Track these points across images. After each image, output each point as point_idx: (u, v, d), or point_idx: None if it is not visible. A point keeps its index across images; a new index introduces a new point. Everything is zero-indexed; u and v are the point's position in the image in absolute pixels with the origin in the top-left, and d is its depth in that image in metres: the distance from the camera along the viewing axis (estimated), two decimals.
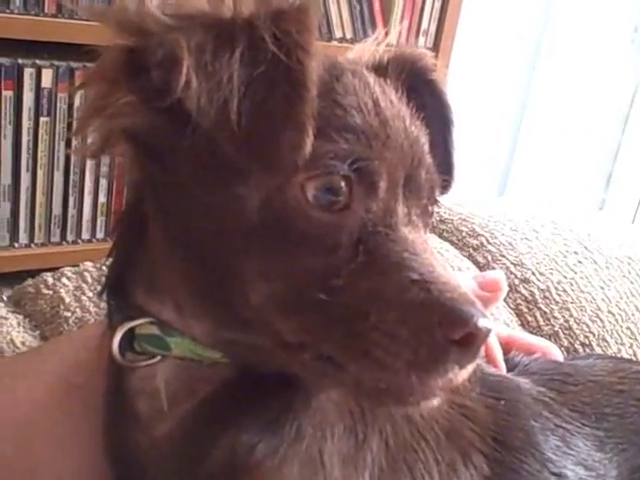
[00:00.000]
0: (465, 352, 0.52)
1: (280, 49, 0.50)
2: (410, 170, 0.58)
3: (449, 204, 1.32)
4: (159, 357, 0.62)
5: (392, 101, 0.60)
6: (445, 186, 0.66)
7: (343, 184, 0.54)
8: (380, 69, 0.65)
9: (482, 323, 0.51)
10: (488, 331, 0.52)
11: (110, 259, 0.66)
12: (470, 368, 0.54)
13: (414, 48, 0.69)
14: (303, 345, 0.54)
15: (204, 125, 0.50)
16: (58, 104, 1.80)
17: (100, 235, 1.98)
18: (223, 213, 0.54)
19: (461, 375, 0.54)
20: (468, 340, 0.51)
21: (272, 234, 0.54)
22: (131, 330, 0.62)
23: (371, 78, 0.60)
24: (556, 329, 1.14)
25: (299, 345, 0.55)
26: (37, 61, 1.76)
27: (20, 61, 1.74)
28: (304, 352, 0.55)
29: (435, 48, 2.37)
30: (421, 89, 0.66)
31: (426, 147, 0.61)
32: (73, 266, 0.99)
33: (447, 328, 0.51)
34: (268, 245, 0.54)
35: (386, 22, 2.28)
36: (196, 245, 0.57)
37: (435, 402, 0.55)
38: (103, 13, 0.56)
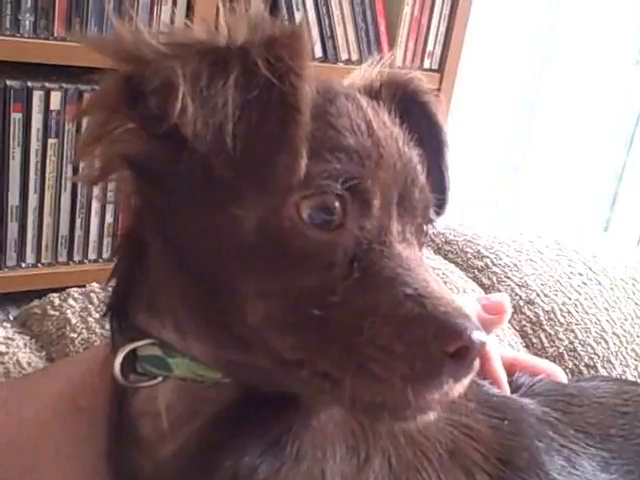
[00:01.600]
0: (460, 365, 0.52)
1: (273, 74, 0.51)
2: (403, 189, 0.59)
3: (454, 225, 1.32)
4: (160, 378, 0.62)
5: (385, 122, 0.61)
6: (440, 207, 0.67)
7: (337, 203, 0.55)
8: (373, 93, 0.66)
9: (476, 336, 0.51)
10: (482, 344, 0.52)
11: (112, 282, 0.67)
12: (466, 382, 0.55)
13: (406, 71, 0.70)
14: (300, 362, 0.55)
15: (200, 149, 0.51)
16: (66, 126, 1.82)
17: (107, 255, 1.99)
18: (220, 234, 0.55)
19: (457, 389, 0.54)
20: (462, 353, 0.52)
21: (268, 253, 0.54)
22: (134, 352, 0.63)
23: (364, 101, 0.61)
24: (561, 351, 1.14)
25: (296, 362, 0.55)
26: (46, 84, 1.77)
27: (29, 84, 1.75)
28: (302, 369, 0.55)
29: (440, 70, 2.38)
30: (415, 112, 0.67)
31: (419, 167, 0.62)
32: (80, 287, 0.99)
33: (441, 341, 0.51)
34: (264, 264, 0.55)
35: (391, 44, 2.30)
36: (194, 266, 0.57)
37: (432, 416, 0.56)
38: (101, 42, 0.57)
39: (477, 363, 0.54)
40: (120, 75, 0.54)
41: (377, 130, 0.59)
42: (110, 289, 0.93)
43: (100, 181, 0.60)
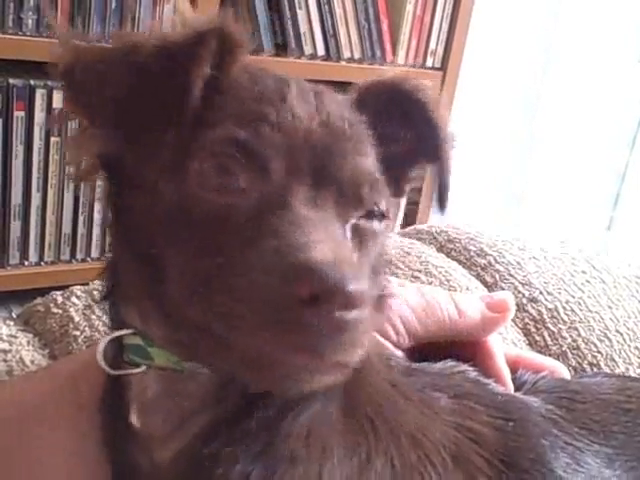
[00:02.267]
0: (317, 314, 0.48)
1: (164, 54, 0.56)
2: (322, 160, 0.58)
3: (457, 223, 1.32)
4: (143, 367, 0.63)
5: (322, 101, 0.61)
6: (441, 204, 0.67)
7: (235, 167, 0.56)
8: (360, 94, 0.66)
9: (333, 281, 0.48)
10: (346, 291, 0.48)
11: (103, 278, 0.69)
12: (351, 340, 0.50)
13: (402, 75, 0.69)
14: (206, 327, 0.53)
15: (98, 123, 0.57)
16: (69, 124, 1.82)
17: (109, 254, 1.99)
18: (140, 209, 0.58)
19: (340, 346, 0.50)
20: (319, 299, 0.48)
21: (181, 223, 0.56)
22: (122, 342, 0.64)
23: (298, 84, 0.62)
24: (564, 349, 1.13)
25: (204, 328, 0.53)
26: (49, 82, 1.78)
27: (32, 82, 1.76)
28: (206, 334, 0.53)
29: (442, 68, 2.38)
30: (412, 111, 0.66)
31: (358, 147, 0.61)
32: (83, 285, 1.00)
33: (290, 285, 0.48)
34: (179, 234, 0.56)
35: (394, 42, 2.30)
36: (135, 247, 0.60)
37: (325, 379, 0.53)
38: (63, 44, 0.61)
39: (355, 316, 0.49)
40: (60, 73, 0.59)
41: (293, 104, 0.59)
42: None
43: (87, 179, 0.63)
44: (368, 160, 0.61)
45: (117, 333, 0.64)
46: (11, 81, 1.73)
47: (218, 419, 0.61)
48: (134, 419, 0.64)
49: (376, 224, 0.61)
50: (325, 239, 0.52)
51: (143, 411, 0.64)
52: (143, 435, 0.64)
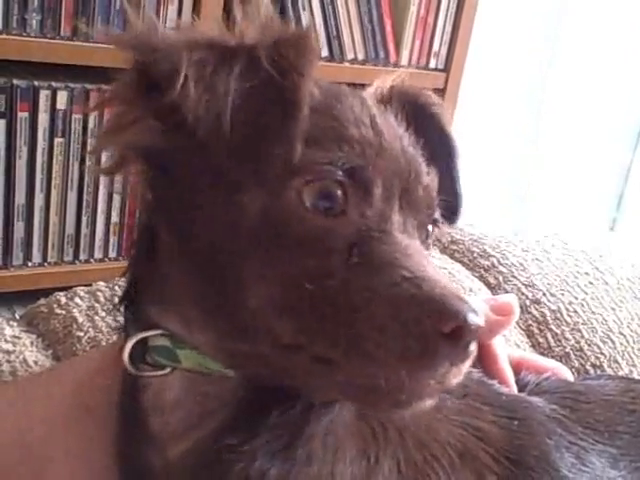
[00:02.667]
0: (455, 346, 0.52)
1: (276, 69, 0.54)
2: (407, 184, 0.60)
3: (460, 225, 1.32)
4: (169, 369, 0.63)
5: (389, 120, 0.63)
6: (454, 213, 0.69)
7: (338, 190, 0.56)
8: (384, 101, 0.67)
9: (472, 318, 0.51)
10: (477, 327, 0.52)
11: (126, 277, 0.68)
12: (463, 368, 0.54)
13: (415, 86, 0.71)
14: (299, 346, 0.55)
15: (199, 134, 0.53)
16: (73, 125, 1.82)
17: (112, 254, 1.99)
18: (223, 221, 0.56)
19: (453, 374, 0.53)
20: (458, 334, 0.51)
21: (270, 238, 0.55)
22: (145, 343, 0.64)
23: (369, 100, 0.63)
24: (567, 350, 1.13)
25: (295, 347, 0.55)
26: (52, 83, 1.78)
27: (36, 83, 1.76)
28: (299, 354, 0.55)
29: (446, 69, 2.38)
30: (424, 124, 0.67)
31: (423, 167, 0.63)
32: (86, 285, 1.00)
33: (436, 320, 0.51)
34: (266, 249, 0.55)
35: (397, 44, 2.30)
36: (199, 255, 0.59)
37: (428, 404, 0.55)
38: (117, 37, 0.59)
39: (474, 348, 0.54)
40: (134, 65, 0.56)
41: (380, 125, 0.60)
42: (117, 287, 0.94)
43: (115, 172, 0.61)
44: (430, 177, 0.63)
45: (145, 333, 0.63)
46: (15, 82, 1.73)
47: (238, 416, 0.62)
48: (152, 420, 0.64)
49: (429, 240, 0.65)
50: (435, 270, 0.55)
51: (162, 412, 0.63)
52: (159, 434, 0.63)
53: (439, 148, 0.68)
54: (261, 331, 0.56)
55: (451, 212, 0.68)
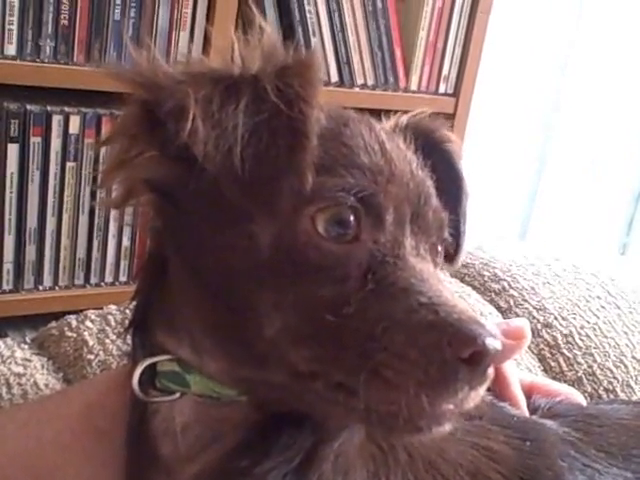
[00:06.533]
0: (474, 371, 0.52)
1: (282, 100, 0.54)
2: (417, 208, 0.60)
3: (471, 249, 1.32)
4: (178, 394, 0.63)
5: (398, 145, 0.63)
6: (456, 251, 0.70)
7: (351, 216, 0.56)
8: (397, 131, 0.68)
9: (490, 342, 0.52)
10: (496, 351, 0.52)
11: (134, 301, 0.68)
12: (480, 391, 0.55)
13: (431, 118, 0.72)
14: (315, 374, 0.55)
15: (210, 170, 0.53)
16: (84, 150, 1.84)
17: (123, 278, 1.99)
18: (235, 251, 0.57)
19: (471, 398, 0.54)
20: (477, 359, 0.52)
21: (284, 267, 0.55)
22: (154, 368, 0.64)
23: (377, 125, 0.64)
24: (579, 375, 1.13)
25: (311, 374, 0.55)
26: (65, 108, 1.79)
27: (49, 108, 1.78)
28: (316, 381, 0.55)
29: (455, 94, 2.39)
30: (437, 158, 0.68)
31: (432, 190, 0.63)
32: (97, 309, 1.00)
33: (455, 346, 0.51)
34: (280, 277, 0.55)
35: (407, 69, 2.31)
36: (210, 284, 0.59)
37: (447, 428, 0.55)
38: (120, 71, 0.59)
39: (491, 372, 0.54)
40: (137, 102, 0.56)
41: (390, 150, 0.61)
42: (128, 311, 0.94)
43: (123, 205, 0.62)
44: (437, 200, 0.64)
45: (155, 359, 0.64)
46: (28, 107, 1.75)
47: (248, 439, 0.61)
48: (161, 444, 0.64)
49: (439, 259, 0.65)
50: (451, 293, 0.55)
51: (171, 436, 0.63)
52: (169, 458, 0.63)
53: (449, 185, 0.68)
54: (277, 360, 0.56)
55: (453, 250, 0.69)
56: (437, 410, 0.53)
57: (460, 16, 2.32)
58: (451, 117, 2.33)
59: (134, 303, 0.68)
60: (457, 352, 0.51)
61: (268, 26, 0.61)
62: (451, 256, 0.70)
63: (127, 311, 0.97)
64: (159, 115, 0.54)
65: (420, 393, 0.52)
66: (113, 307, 0.99)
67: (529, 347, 1.15)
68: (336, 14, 2.12)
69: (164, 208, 0.61)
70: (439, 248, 0.64)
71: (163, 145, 0.56)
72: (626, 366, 1.14)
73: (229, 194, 0.54)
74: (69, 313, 1.00)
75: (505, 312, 1.20)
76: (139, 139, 0.57)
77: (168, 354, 0.63)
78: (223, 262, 0.57)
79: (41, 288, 1.90)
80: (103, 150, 0.61)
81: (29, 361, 0.92)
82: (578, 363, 1.13)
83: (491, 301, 1.22)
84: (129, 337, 0.68)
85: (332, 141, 0.58)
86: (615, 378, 1.13)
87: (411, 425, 0.54)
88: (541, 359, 1.15)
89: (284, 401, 0.60)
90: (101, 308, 1.00)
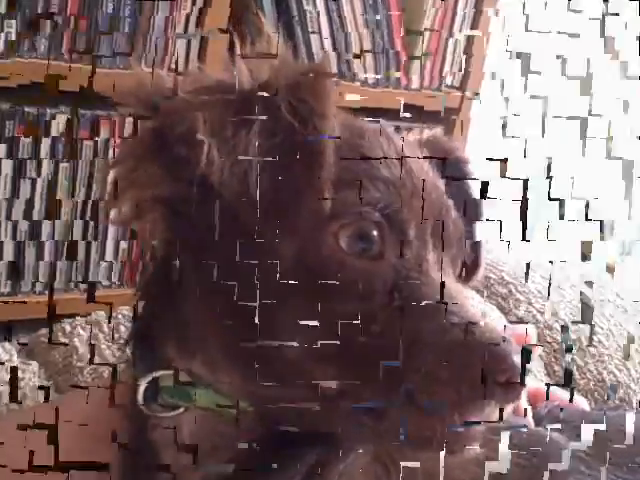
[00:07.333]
0: (507, 393, 0.53)
1: (296, 118, 0.53)
2: (438, 220, 0.60)
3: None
4: (182, 409, 0.62)
5: (415, 154, 0.63)
6: (474, 269, 0.69)
7: (375, 231, 0.56)
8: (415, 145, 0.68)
9: (517, 361, 0.52)
10: (520, 368, 0.53)
11: (137, 312, 0.67)
12: (509, 409, 0.55)
13: (449, 140, 0.73)
14: (341, 394, 0.54)
15: (226, 196, 0.53)
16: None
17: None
18: (255, 269, 0.55)
19: (501, 417, 0.54)
20: (510, 380, 0.52)
21: (307, 285, 0.54)
22: (156, 382, 0.63)
23: (395, 136, 0.63)
24: (586, 380, 1.12)
25: (337, 394, 0.54)
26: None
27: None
28: (342, 401, 0.54)
29: (461, 89, 2.37)
30: (451, 179, 0.67)
31: (450, 201, 0.63)
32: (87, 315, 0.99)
33: (492, 370, 0.51)
34: (304, 296, 0.54)
35: (407, 68, 2.31)
36: (230, 300, 0.57)
37: (477, 447, 0.55)
38: (127, 95, 0.58)
39: (523, 391, 0.54)
40: (145, 128, 0.56)
41: (409, 162, 0.60)
42: (120, 317, 0.93)
43: (132, 222, 0.61)
44: (455, 212, 0.63)
45: (158, 373, 0.62)
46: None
47: (253, 452, 0.60)
48: (163, 455, 0.63)
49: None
50: (477, 308, 0.56)
51: (175, 448, 0.62)
52: (172, 467, 0.62)
53: (462, 204, 0.67)
54: (299, 379, 0.55)
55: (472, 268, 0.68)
56: (471, 432, 0.53)
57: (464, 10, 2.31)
58: (456, 112, 2.31)
59: (137, 315, 0.66)
60: (494, 376, 0.51)
61: (268, 26, 0.60)
62: (469, 269, 0.69)
63: (119, 317, 0.95)
64: (169, 140, 0.54)
65: (454, 416, 0.52)
66: (103, 314, 0.98)
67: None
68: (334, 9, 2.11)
69: (173, 221, 0.60)
70: (458, 260, 0.64)
71: (170, 165, 0.55)
72: (628, 369, 1.14)
73: (246, 217, 0.53)
74: (61, 317, 0.98)
75: (511, 316, 1.19)
76: (145, 160, 0.56)
77: (174, 367, 0.62)
78: (243, 280, 0.56)
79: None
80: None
81: (19, 369, 0.91)
82: (589, 370, 1.13)
83: (498, 305, 1.21)
84: (129, 348, 0.67)
85: (350, 153, 0.57)
86: (618, 382, 1.12)
87: (443, 447, 0.54)
88: (546, 364, 1.15)
89: (300, 419, 0.58)
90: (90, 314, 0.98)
